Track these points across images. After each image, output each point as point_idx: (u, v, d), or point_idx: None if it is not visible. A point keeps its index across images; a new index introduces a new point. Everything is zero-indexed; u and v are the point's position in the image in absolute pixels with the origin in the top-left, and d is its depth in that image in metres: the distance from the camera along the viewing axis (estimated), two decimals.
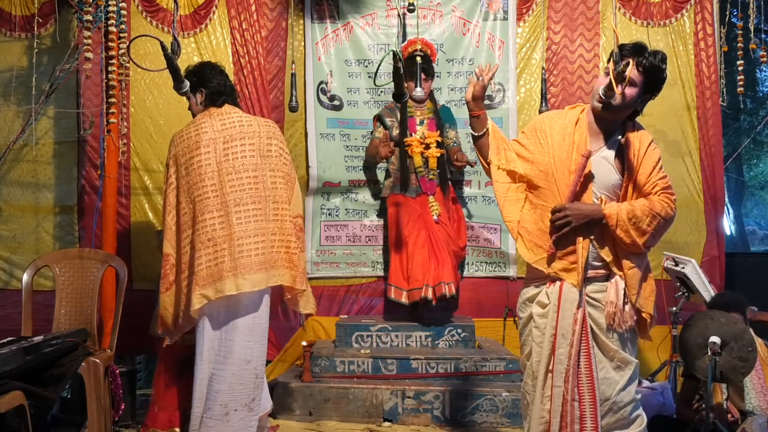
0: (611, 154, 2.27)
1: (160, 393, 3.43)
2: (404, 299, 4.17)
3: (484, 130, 2.38)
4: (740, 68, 4.28)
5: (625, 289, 2.23)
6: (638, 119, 2.36)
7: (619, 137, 2.28)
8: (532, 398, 2.28)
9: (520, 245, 2.34)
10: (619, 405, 2.23)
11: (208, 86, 2.96)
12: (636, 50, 2.19)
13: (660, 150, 2.31)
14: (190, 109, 3.07)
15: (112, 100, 3.66)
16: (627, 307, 2.22)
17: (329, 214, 4.76)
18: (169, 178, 2.94)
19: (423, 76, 4.10)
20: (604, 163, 2.26)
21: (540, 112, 4.31)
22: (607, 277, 2.26)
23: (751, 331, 3.01)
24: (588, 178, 2.24)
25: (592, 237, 2.24)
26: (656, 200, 2.22)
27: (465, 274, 4.71)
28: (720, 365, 2.83)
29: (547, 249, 2.25)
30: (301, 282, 2.89)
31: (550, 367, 2.22)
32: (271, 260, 2.80)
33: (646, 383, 3.94)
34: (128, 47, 3.64)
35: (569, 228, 2.20)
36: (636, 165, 2.24)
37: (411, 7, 3.72)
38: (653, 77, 2.20)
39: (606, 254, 2.25)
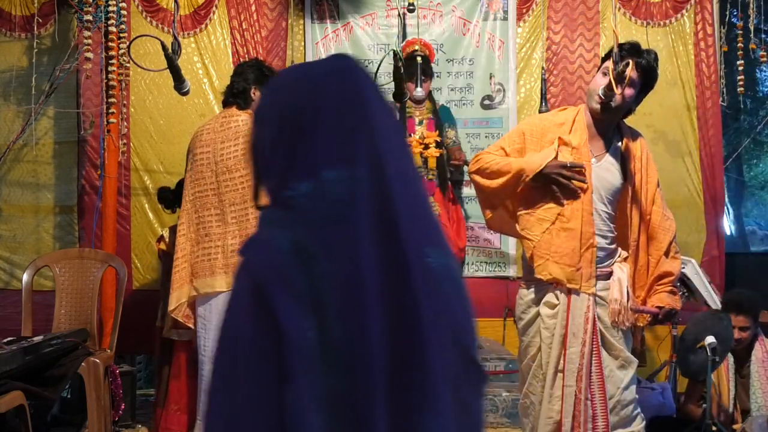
0: (615, 159, 2.26)
1: (173, 394, 3.41)
2: None
3: None
4: (740, 68, 4.27)
5: (628, 288, 2.24)
6: (638, 118, 2.36)
7: (619, 142, 2.28)
8: (539, 399, 2.27)
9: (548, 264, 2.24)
10: (623, 403, 2.24)
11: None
12: (634, 50, 2.18)
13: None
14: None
15: (112, 100, 3.65)
16: (630, 305, 2.23)
17: None
18: (186, 168, 3.03)
19: (422, 77, 4.09)
20: (611, 168, 2.25)
21: (540, 112, 4.30)
22: (610, 275, 2.27)
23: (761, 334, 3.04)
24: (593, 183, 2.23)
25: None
26: (677, 267, 2.31)
27: (465, 274, 4.70)
28: (701, 363, 2.86)
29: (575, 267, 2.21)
30: None
31: (560, 367, 2.22)
32: None
33: (646, 383, 3.94)
34: (128, 47, 3.64)
35: None
36: (642, 172, 2.25)
37: (411, 7, 3.72)
38: (649, 77, 2.21)
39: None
